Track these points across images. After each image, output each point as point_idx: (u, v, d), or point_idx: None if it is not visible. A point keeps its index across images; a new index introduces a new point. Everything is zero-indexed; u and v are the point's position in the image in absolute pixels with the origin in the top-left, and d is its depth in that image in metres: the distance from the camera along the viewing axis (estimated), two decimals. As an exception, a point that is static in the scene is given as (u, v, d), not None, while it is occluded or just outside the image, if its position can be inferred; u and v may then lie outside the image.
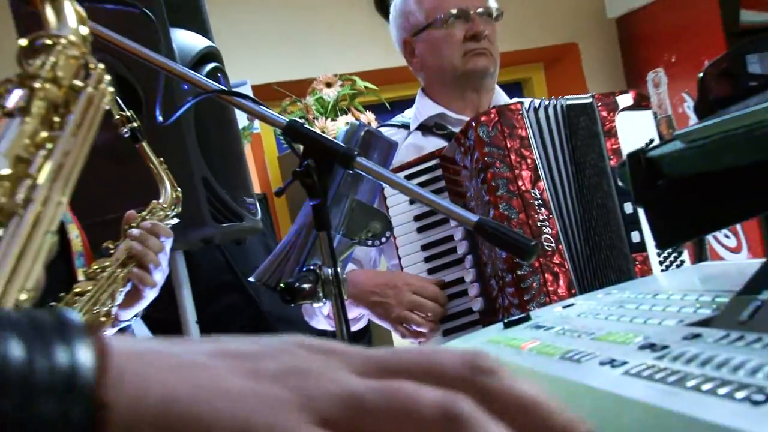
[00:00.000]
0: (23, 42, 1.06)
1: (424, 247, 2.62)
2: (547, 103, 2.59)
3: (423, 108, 3.01)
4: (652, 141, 2.50)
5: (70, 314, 0.56)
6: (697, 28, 5.85)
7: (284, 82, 5.96)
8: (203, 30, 3.07)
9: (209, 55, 2.91)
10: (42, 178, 0.94)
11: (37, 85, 0.99)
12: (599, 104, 2.55)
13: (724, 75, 1.25)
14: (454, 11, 2.81)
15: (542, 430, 0.51)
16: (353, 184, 2.05)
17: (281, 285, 1.88)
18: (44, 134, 0.98)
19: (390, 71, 5.80)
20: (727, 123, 1.02)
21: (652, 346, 0.92)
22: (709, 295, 1.11)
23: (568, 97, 2.64)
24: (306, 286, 1.83)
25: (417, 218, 2.61)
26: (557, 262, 2.39)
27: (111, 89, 1.11)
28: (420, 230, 2.62)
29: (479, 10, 2.82)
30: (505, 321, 1.48)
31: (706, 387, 0.71)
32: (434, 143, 2.81)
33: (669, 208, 1.15)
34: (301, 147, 1.83)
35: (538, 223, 2.42)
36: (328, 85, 5.80)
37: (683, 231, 1.17)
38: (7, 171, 0.90)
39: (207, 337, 0.61)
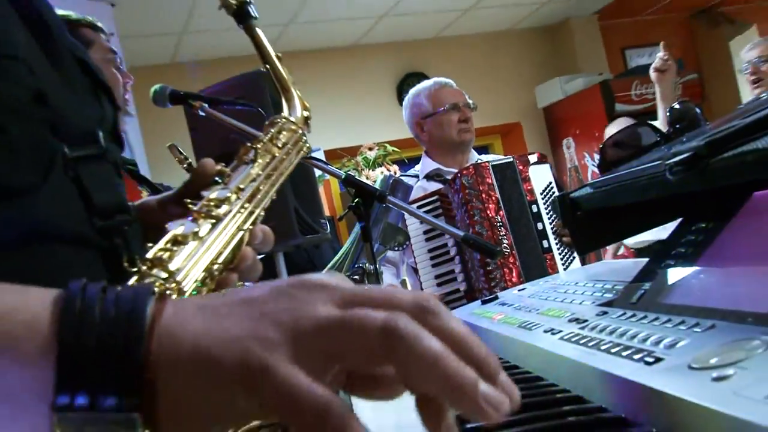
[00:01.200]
0: (267, 122, 1.16)
1: (429, 251, 2.95)
2: (498, 161, 3.01)
3: (426, 164, 3.45)
4: (550, 183, 2.99)
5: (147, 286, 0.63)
6: (590, 114, 6.93)
7: (343, 148, 6.70)
8: (293, 113, 3.34)
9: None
10: (245, 198, 0.95)
11: (261, 145, 1.07)
12: (518, 162, 2.98)
13: (613, 146, 1.35)
14: (450, 104, 3.34)
15: (464, 359, 0.52)
16: (385, 212, 2.34)
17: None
18: (259, 171, 1.02)
19: (405, 140, 6.26)
20: (616, 179, 1.13)
21: (576, 320, 0.96)
22: (611, 284, 1.15)
23: (505, 157, 3.10)
24: (356, 277, 2.13)
25: (425, 233, 2.93)
26: (511, 261, 2.80)
27: (307, 148, 1.19)
28: (427, 240, 2.94)
29: (465, 104, 3.38)
30: (482, 300, 1.60)
31: (614, 350, 0.76)
32: (434, 186, 3.19)
33: (584, 229, 1.26)
34: (353, 190, 2.10)
35: (500, 237, 2.83)
36: (369, 149, 6.59)
37: (593, 243, 1.27)
38: (226, 194, 0.91)
39: (240, 288, 0.68)
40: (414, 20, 6.81)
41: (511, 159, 3.00)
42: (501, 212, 2.84)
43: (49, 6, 0.97)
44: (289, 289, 0.56)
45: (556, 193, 2.94)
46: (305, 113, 1.24)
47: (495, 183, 2.90)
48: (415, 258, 2.92)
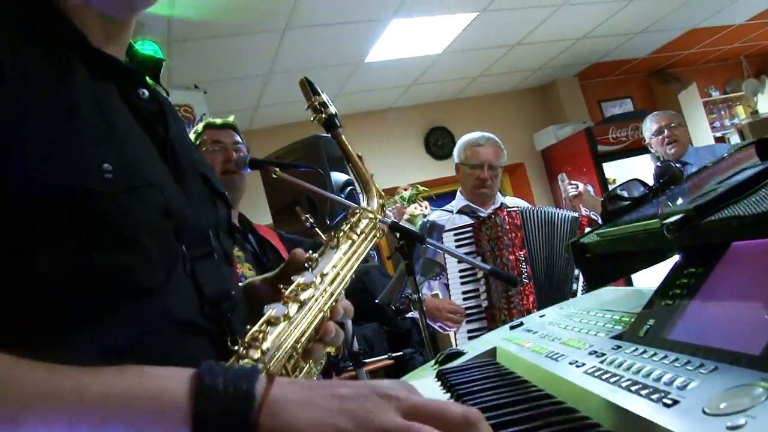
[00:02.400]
0: (349, 211, 1.16)
1: (460, 271, 2.88)
2: (530, 208, 2.93)
3: (459, 201, 3.25)
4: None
5: (257, 367, 0.70)
6: (578, 154, 6.82)
7: (384, 189, 6.37)
8: (345, 170, 3.32)
9: (348, 182, 3.15)
10: (327, 282, 0.95)
11: (343, 233, 1.07)
12: (581, 219, 2.91)
13: (611, 199, 1.31)
14: (474, 162, 3.14)
15: None
16: (425, 250, 2.25)
17: (391, 305, 2.16)
18: (341, 256, 1.02)
19: (431, 181, 6.38)
20: (619, 231, 1.09)
21: (595, 353, 0.92)
22: (618, 315, 1.11)
23: (539, 207, 2.99)
24: (402, 306, 2.11)
25: (459, 262, 2.86)
26: (528, 290, 2.72)
27: (381, 232, 1.15)
28: (459, 262, 2.86)
29: (489, 165, 3.12)
30: (510, 325, 1.54)
31: (633, 388, 0.72)
32: (465, 219, 3.07)
33: (593, 268, 1.22)
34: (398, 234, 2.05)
35: (521, 270, 2.75)
36: (405, 189, 6.44)
37: (601, 280, 1.22)
38: (311, 279, 0.92)
39: (329, 381, 0.69)
40: (435, 87, 6.82)
41: (578, 215, 2.93)
42: (524, 250, 2.79)
43: (182, 132, 1.00)
44: (369, 394, 0.59)
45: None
46: (380, 201, 1.21)
47: (523, 224, 2.85)
48: (448, 281, 2.88)
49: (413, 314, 2.17)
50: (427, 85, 6.68)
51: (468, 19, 5.24)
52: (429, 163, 7.18)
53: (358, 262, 1.06)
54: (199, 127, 2.51)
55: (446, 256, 2.97)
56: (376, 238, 1.15)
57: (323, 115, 1.22)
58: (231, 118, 2.65)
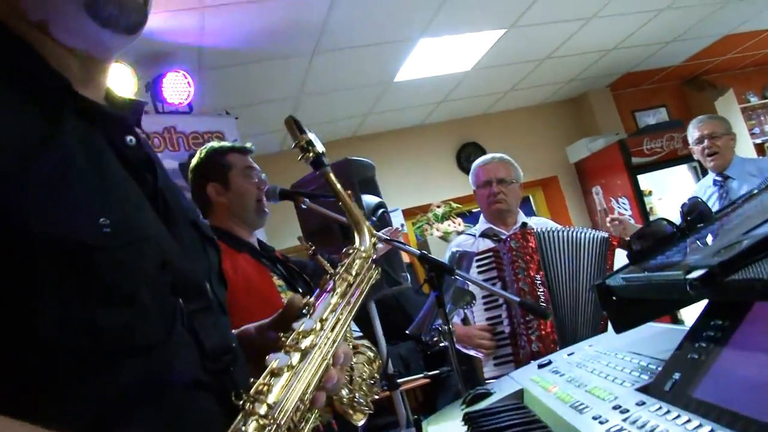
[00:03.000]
0: (342, 252, 1.12)
1: (483, 297, 2.82)
2: (547, 229, 2.84)
3: (481, 224, 3.19)
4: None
5: None
6: (612, 166, 6.73)
7: (417, 206, 6.74)
8: (376, 192, 3.35)
9: (380, 205, 3.19)
10: (328, 329, 0.93)
11: (338, 276, 1.03)
12: (613, 241, 2.78)
13: (638, 239, 1.28)
14: (481, 183, 3.12)
15: None
16: (454, 281, 2.24)
17: (422, 337, 2.16)
18: (338, 300, 0.99)
19: (465, 197, 6.38)
20: (645, 278, 1.07)
21: (619, 407, 0.91)
22: (646, 361, 1.10)
23: (560, 228, 2.87)
24: (434, 339, 2.12)
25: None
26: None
27: (378, 274, 1.12)
28: (482, 297, 2.81)
29: (498, 179, 3.07)
30: (538, 363, 1.52)
31: None
32: (488, 243, 3.02)
33: (619, 311, 1.19)
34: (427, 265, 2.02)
35: (538, 293, 2.68)
36: (438, 206, 6.57)
37: (627, 323, 1.20)
38: (312, 326, 0.90)
39: None
40: (465, 103, 6.81)
41: (607, 235, 2.81)
42: (541, 272, 2.71)
43: (170, 179, 0.97)
44: None
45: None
46: (373, 240, 1.18)
47: (537, 247, 2.76)
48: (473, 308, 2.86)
49: (444, 344, 2.15)
50: (457, 101, 6.67)
51: (496, 36, 5.23)
52: (461, 179, 7.15)
53: (358, 303, 1.04)
54: (218, 145, 2.48)
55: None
56: (373, 278, 1.13)
57: (310, 154, 1.21)
58: (249, 144, 2.65)
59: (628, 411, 0.90)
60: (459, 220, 6.60)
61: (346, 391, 2.07)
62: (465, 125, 7.31)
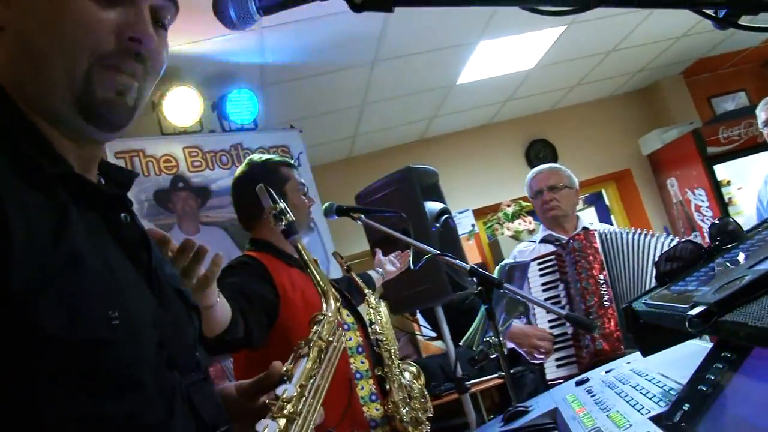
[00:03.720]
0: (311, 318, 1.17)
1: (546, 299, 2.83)
2: (605, 230, 2.90)
3: (542, 232, 3.25)
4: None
5: None
6: (687, 157, 6.51)
7: (487, 206, 6.82)
8: (440, 198, 3.38)
9: (443, 211, 3.24)
10: (309, 395, 0.99)
11: (312, 343, 1.09)
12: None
13: (666, 261, 1.28)
14: (533, 192, 3.22)
15: None
16: (503, 294, 2.28)
17: (473, 348, 2.26)
18: (313, 366, 1.05)
19: None
20: (662, 308, 1.08)
21: None
22: (669, 386, 1.11)
23: (625, 230, 2.86)
24: (483, 352, 2.17)
25: (542, 285, 2.90)
26: (610, 312, 2.66)
27: (347, 341, 1.21)
28: (543, 291, 2.87)
29: (549, 187, 3.14)
30: (576, 380, 1.54)
31: None
32: (548, 248, 3.02)
33: (644, 334, 1.20)
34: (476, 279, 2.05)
35: (601, 292, 2.69)
36: (507, 205, 6.66)
37: (653, 347, 1.20)
38: (293, 393, 0.96)
39: None
40: (531, 100, 6.75)
41: (676, 239, 2.79)
42: (604, 272, 2.72)
43: (151, 249, 0.95)
44: None
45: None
46: (337, 304, 1.23)
47: (600, 247, 2.78)
48: (534, 307, 2.88)
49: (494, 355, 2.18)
50: (523, 99, 6.62)
51: (557, 33, 5.17)
52: (531, 176, 7.15)
53: (332, 367, 1.12)
54: (273, 157, 2.49)
55: (532, 285, 2.97)
56: (342, 340, 1.19)
57: (282, 223, 1.29)
58: (293, 161, 2.72)
59: (635, 444, 0.92)
60: (529, 218, 6.57)
61: (407, 409, 2.13)
62: (532, 122, 7.24)
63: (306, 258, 1.26)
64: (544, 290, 2.88)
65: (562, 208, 3.11)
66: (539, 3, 0.91)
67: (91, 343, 0.73)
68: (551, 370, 2.78)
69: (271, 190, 1.29)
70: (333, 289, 1.25)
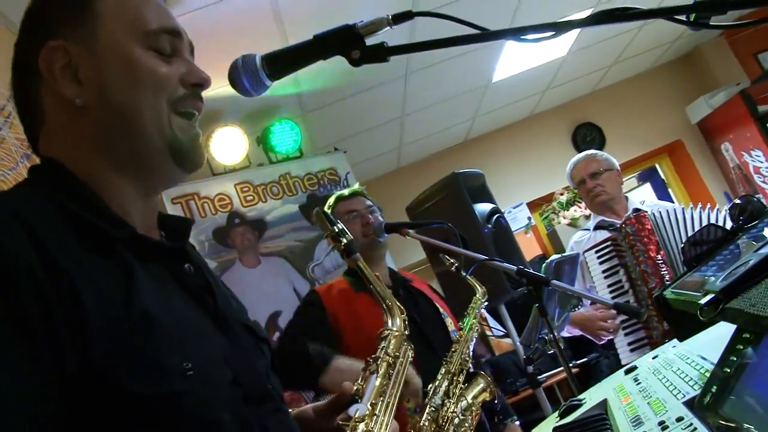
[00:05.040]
0: (378, 333, 1.22)
1: (610, 292, 2.90)
2: (654, 209, 2.90)
3: (593, 218, 3.29)
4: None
5: None
6: (738, 119, 6.40)
7: (540, 198, 6.86)
8: (489, 199, 3.43)
9: (494, 210, 3.29)
10: (381, 412, 1.03)
11: (380, 359, 1.14)
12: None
13: (691, 245, 1.31)
14: (578, 180, 3.27)
15: None
16: (554, 291, 2.32)
17: (530, 346, 2.28)
18: (384, 382, 1.09)
19: None
20: (683, 296, 1.12)
21: (662, 423, 0.99)
22: (708, 366, 1.14)
23: (674, 207, 2.91)
24: (539, 349, 2.21)
25: (603, 272, 2.93)
26: None
27: (412, 353, 1.21)
28: (605, 278, 2.92)
29: (591, 174, 3.20)
30: (625, 369, 1.57)
31: None
32: (603, 234, 3.07)
33: (678, 320, 1.24)
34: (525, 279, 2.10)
35: (662, 272, 2.68)
36: (561, 194, 6.73)
37: (687, 332, 1.24)
38: (365, 412, 1.00)
39: None
40: (570, 85, 6.70)
41: (681, 206, 2.88)
42: (661, 252, 2.73)
43: (223, 288, 1.04)
44: None
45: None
46: (402, 316, 1.26)
47: (655, 226, 2.79)
48: (597, 292, 2.90)
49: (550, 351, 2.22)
50: (562, 86, 6.59)
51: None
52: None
53: (401, 380, 1.16)
54: (331, 200, 2.70)
55: (592, 273, 3.00)
56: (410, 352, 1.23)
57: (341, 245, 1.31)
58: (357, 186, 2.85)
59: (667, 429, 0.97)
60: (583, 203, 6.54)
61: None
62: (575, 107, 7.19)
63: (368, 275, 1.29)
64: (605, 277, 2.90)
65: (608, 191, 3.15)
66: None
67: (170, 395, 0.77)
68: (625, 355, 2.80)
69: (328, 214, 1.34)
70: (398, 303, 1.28)
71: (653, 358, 1.52)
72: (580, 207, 6.58)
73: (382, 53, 0.95)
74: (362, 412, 1.00)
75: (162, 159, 0.95)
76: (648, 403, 1.16)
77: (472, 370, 2.22)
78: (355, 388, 1.07)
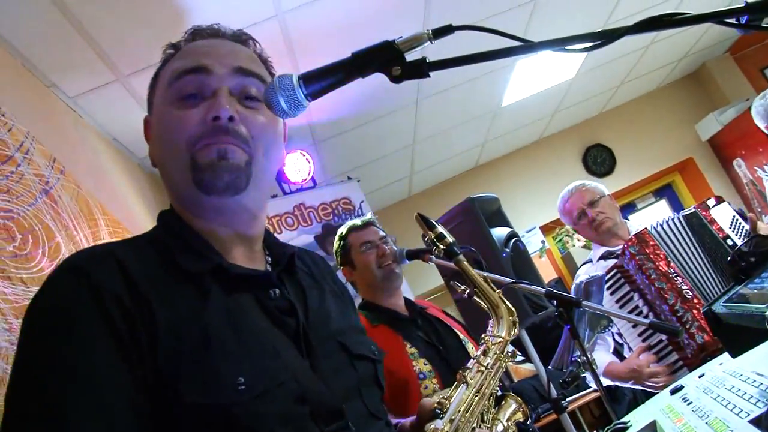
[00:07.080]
0: (480, 348, 1.19)
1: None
2: (664, 220, 2.75)
3: (595, 250, 3.18)
4: (734, 217, 2.71)
5: None
6: (749, 134, 6.29)
7: (555, 219, 6.47)
8: (505, 222, 3.39)
9: (511, 235, 3.24)
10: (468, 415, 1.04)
11: (474, 367, 1.13)
12: (700, 209, 2.72)
13: (739, 257, 1.27)
14: (576, 214, 3.14)
15: None
16: (584, 312, 2.26)
17: (563, 370, 2.24)
18: (474, 393, 1.08)
19: None
20: (738, 309, 1.08)
21: None
22: (765, 384, 1.08)
23: (681, 212, 2.78)
24: (572, 373, 2.13)
25: (617, 302, 2.74)
26: (695, 302, 2.49)
27: (513, 353, 1.21)
28: (620, 307, 2.73)
29: (589, 202, 3.09)
30: (671, 389, 1.52)
31: None
32: (609, 263, 2.92)
33: (730, 338, 1.19)
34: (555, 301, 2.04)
35: (678, 285, 2.55)
36: None
37: (740, 347, 1.19)
38: (440, 427, 1.00)
39: None
40: (579, 107, 6.70)
41: (693, 209, 2.74)
42: (672, 264, 2.60)
43: (324, 303, 1.10)
44: None
45: (743, 224, 2.72)
46: (512, 318, 1.21)
47: (659, 241, 2.67)
48: (618, 327, 2.80)
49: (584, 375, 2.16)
50: (570, 108, 6.59)
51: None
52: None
53: (492, 388, 1.11)
54: (343, 230, 2.69)
55: (606, 306, 2.91)
56: (507, 359, 1.18)
57: (442, 247, 1.28)
58: (369, 215, 2.84)
59: (737, 450, 0.92)
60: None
61: None
62: (585, 128, 7.18)
63: (472, 276, 1.25)
64: (620, 306, 2.73)
65: (611, 217, 3.06)
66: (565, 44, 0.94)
67: (219, 406, 0.83)
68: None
69: (426, 217, 1.31)
70: (507, 303, 1.23)
71: (700, 377, 1.47)
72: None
73: (423, 69, 0.92)
74: (438, 427, 0.99)
75: (195, 195, 1.00)
76: (707, 423, 1.11)
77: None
78: (437, 401, 1.06)
